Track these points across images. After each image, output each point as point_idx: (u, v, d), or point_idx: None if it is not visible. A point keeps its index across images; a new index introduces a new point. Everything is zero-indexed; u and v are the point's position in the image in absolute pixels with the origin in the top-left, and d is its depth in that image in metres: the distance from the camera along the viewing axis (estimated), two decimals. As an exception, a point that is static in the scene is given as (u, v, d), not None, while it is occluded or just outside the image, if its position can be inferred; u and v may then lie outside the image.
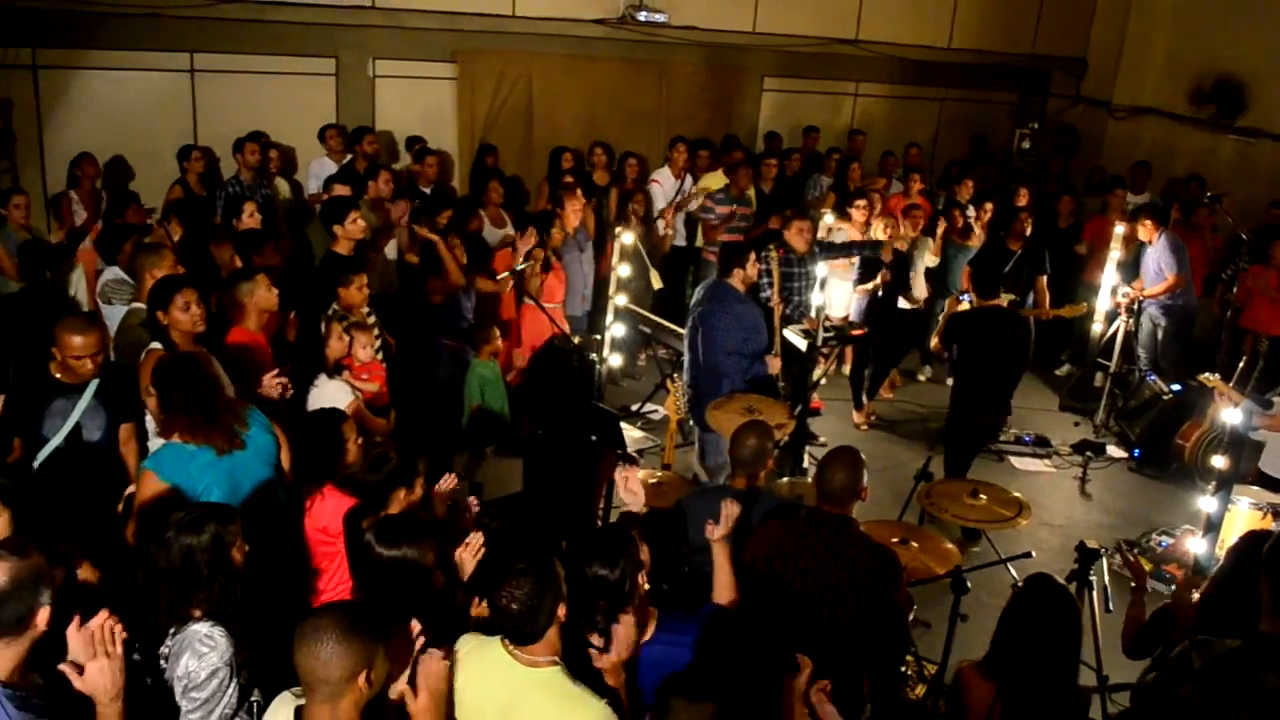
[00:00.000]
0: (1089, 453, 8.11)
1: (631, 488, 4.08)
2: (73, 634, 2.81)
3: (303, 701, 2.73)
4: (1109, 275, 8.98)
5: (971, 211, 9.90)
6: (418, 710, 2.92)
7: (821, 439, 8.26)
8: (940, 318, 8.42)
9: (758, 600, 3.73)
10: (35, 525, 3.57)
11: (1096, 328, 9.17)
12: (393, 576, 3.32)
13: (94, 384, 4.55)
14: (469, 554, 3.81)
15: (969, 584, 4.51)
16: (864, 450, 8.06)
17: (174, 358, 4.32)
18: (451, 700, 3.03)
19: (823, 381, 9.18)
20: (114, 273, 6.08)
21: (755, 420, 4.66)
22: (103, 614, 2.85)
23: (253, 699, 3.28)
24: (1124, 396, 8.90)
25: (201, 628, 3.16)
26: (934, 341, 7.65)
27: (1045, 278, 8.40)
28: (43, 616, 2.76)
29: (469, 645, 3.11)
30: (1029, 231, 8.42)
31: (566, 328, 7.72)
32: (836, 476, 3.83)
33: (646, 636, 3.21)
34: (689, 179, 9.83)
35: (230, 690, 3.18)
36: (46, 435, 4.49)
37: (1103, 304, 9.07)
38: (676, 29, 11.00)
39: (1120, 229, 8.95)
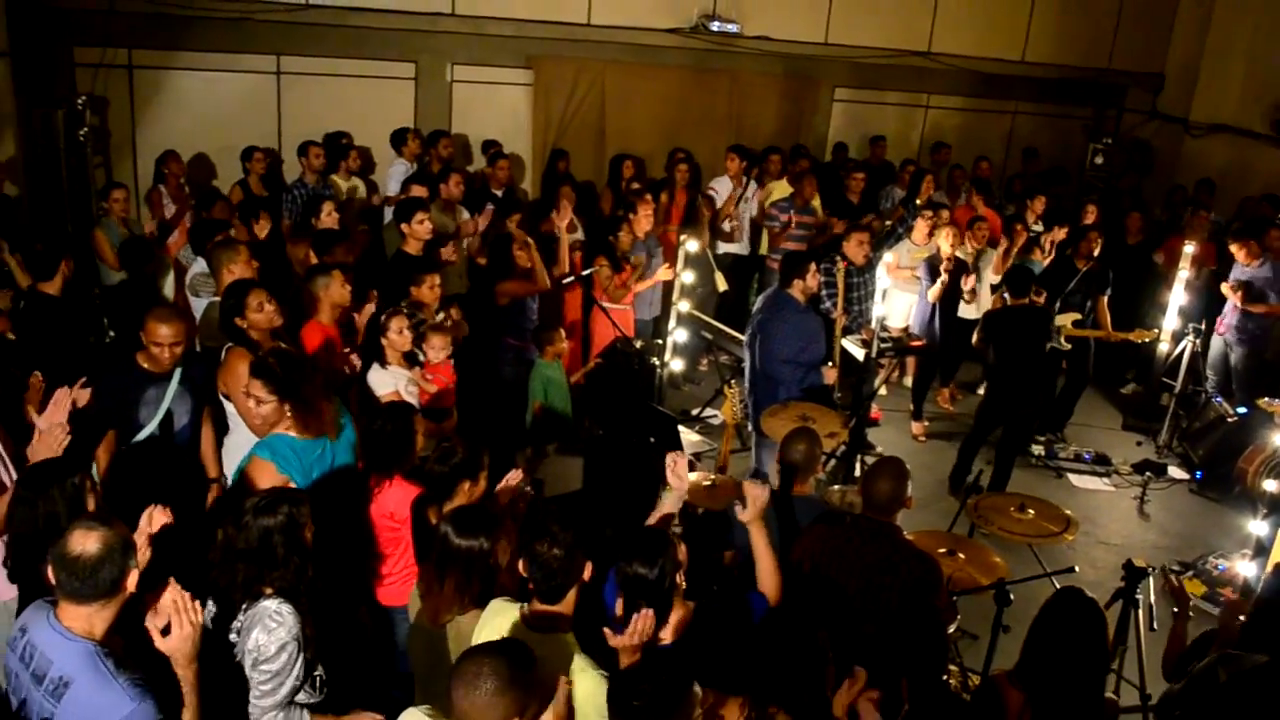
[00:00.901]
0: (1149, 473, 8.06)
1: (679, 471, 4.04)
2: (150, 619, 3.04)
3: None
4: (1176, 295, 8.90)
5: (1041, 227, 9.90)
6: None
7: (878, 448, 8.31)
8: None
9: (801, 600, 3.86)
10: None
11: (1163, 347, 9.09)
12: (465, 564, 3.51)
13: (178, 371, 4.83)
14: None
15: (1012, 596, 4.58)
16: (919, 461, 8.21)
17: (278, 354, 4.54)
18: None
19: (883, 392, 9.26)
20: (201, 266, 6.35)
21: (805, 427, 4.77)
22: (170, 584, 3.06)
23: (316, 673, 3.49)
24: (1188, 417, 8.82)
25: (271, 604, 3.36)
26: (975, 338, 7.76)
27: (1106, 298, 8.38)
28: (132, 579, 2.97)
29: (493, 609, 3.35)
30: (1097, 251, 8.39)
31: (630, 330, 7.91)
32: (881, 486, 3.96)
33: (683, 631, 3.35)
34: (753, 185, 9.92)
35: (298, 663, 3.38)
36: (142, 422, 4.76)
37: (1169, 324, 8.99)
38: (749, 39, 11.15)
39: (1190, 249, 8.87)
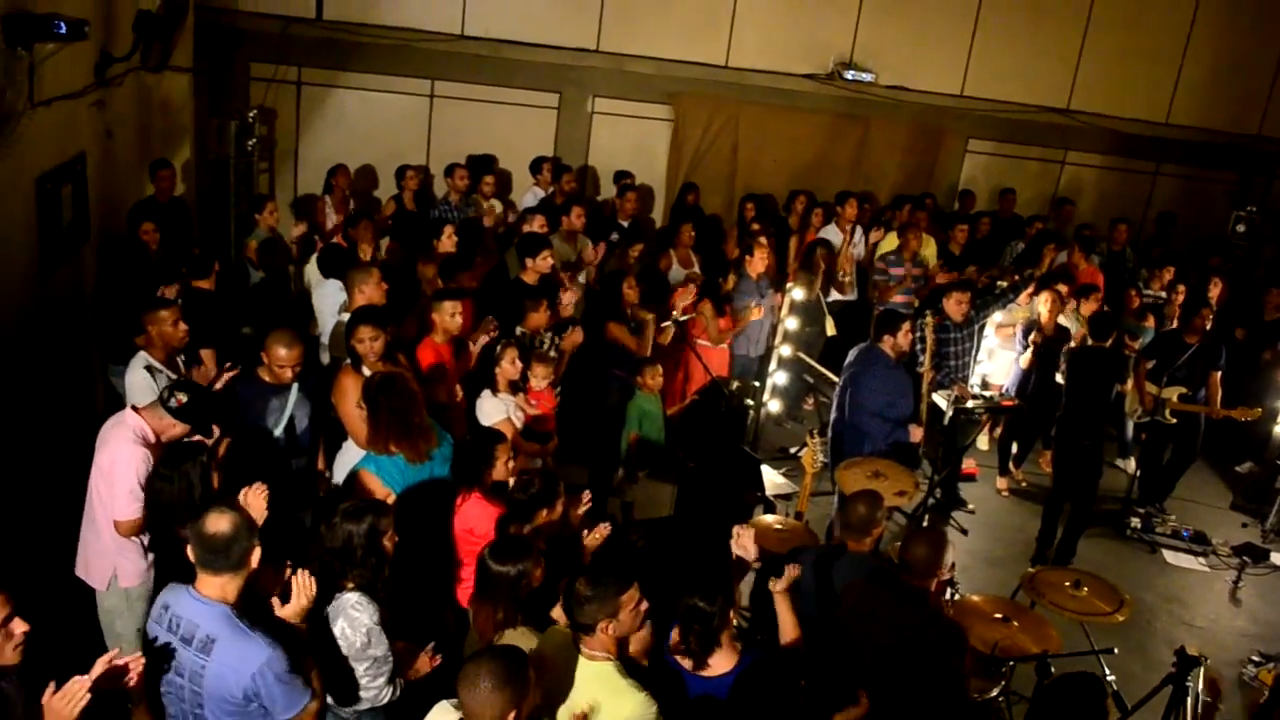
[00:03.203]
0: (1247, 557, 7.94)
1: (743, 544, 4.40)
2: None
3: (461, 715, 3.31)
4: (1294, 375, 8.74)
5: (1163, 294, 9.81)
6: None
7: (970, 506, 8.41)
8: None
9: (836, 651, 4.13)
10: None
11: (1279, 429, 8.90)
12: (501, 589, 3.99)
13: (297, 380, 5.35)
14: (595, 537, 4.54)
15: (1053, 669, 4.73)
16: (1000, 519, 8.35)
17: (383, 378, 5.04)
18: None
19: (983, 446, 9.32)
20: (337, 288, 6.94)
21: (869, 490, 4.99)
22: (303, 573, 3.68)
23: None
24: (1299, 503, 8.60)
25: (352, 596, 3.88)
26: (1060, 375, 7.89)
27: (1219, 374, 8.27)
28: (255, 556, 3.53)
29: (550, 634, 3.80)
30: (1208, 327, 8.30)
31: (725, 368, 8.23)
32: (917, 553, 4.19)
33: (728, 667, 3.69)
34: (858, 231, 10.07)
35: (386, 650, 3.89)
36: (270, 429, 5.30)
37: (1286, 404, 8.81)
38: (883, 88, 11.33)
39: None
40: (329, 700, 3.98)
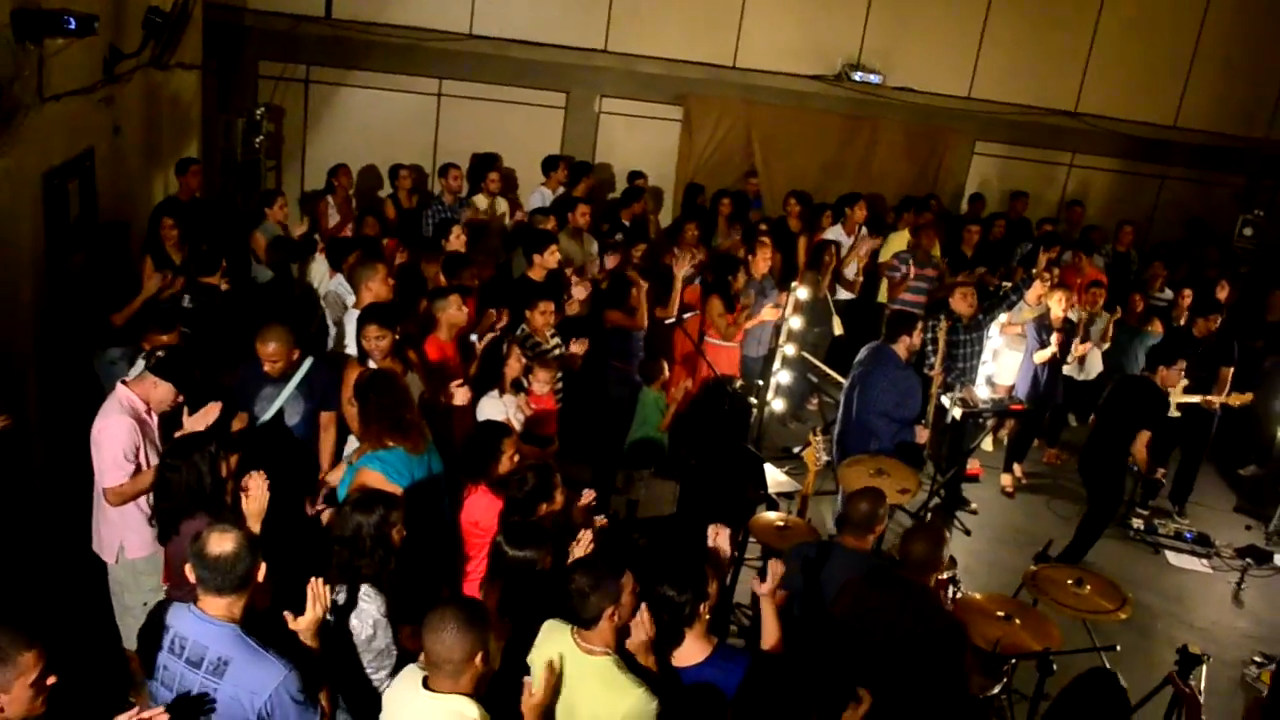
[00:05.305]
0: (1250, 559, 7.93)
1: (719, 543, 4.38)
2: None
3: (427, 673, 3.34)
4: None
5: (1168, 294, 9.80)
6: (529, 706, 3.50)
7: (973, 505, 8.40)
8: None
9: (835, 646, 4.13)
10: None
11: (1283, 431, 8.90)
12: (516, 571, 4.00)
13: (298, 376, 5.42)
14: (579, 549, 4.40)
15: (1055, 666, 4.73)
16: (1006, 519, 8.25)
17: (373, 375, 5.06)
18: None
19: (988, 447, 9.31)
20: (338, 281, 6.97)
21: (871, 487, 5.00)
22: (317, 581, 3.57)
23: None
24: (1304, 505, 8.59)
25: (361, 588, 3.88)
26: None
27: (1230, 370, 8.27)
28: (260, 572, 3.45)
29: (548, 628, 3.75)
30: (1214, 328, 8.30)
31: (736, 368, 8.23)
32: (916, 548, 4.20)
33: (701, 659, 3.69)
34: (863, 231, 10.00)
35: (390, 642, 3.89)
36: (257, 415, 5.36)
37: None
38: (891, 90, 11.34)
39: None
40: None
